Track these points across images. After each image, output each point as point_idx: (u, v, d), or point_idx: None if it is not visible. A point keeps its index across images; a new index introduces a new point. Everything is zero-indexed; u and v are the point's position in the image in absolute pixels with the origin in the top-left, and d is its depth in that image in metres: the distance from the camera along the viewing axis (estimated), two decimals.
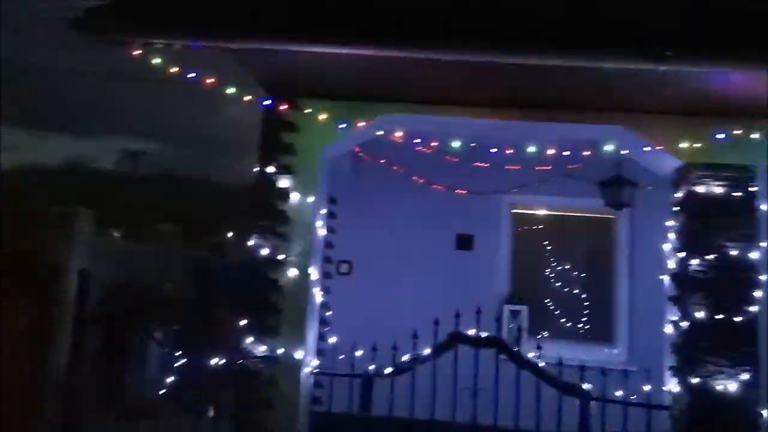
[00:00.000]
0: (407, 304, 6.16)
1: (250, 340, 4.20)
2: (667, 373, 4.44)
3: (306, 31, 3.33)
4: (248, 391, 4.17)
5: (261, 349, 4.20)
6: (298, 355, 4.26)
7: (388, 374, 4.45)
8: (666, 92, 3.87)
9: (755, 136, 4.00)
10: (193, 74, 3.80)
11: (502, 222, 6.76)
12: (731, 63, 3.21)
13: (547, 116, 4.32)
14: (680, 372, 4.23)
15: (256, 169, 4.40)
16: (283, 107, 4.18)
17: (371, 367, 4.47)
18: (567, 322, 6.75)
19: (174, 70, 3.74)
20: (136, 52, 3.65)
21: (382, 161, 6.43)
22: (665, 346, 4.59)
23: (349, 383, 4.44)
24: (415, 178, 6.59)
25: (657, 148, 4.17)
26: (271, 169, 4.36)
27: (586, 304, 6.80)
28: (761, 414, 3.99)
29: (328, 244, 4.95)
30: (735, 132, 3.97)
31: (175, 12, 3.45)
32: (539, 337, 4.82)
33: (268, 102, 4.17)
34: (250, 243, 4.30)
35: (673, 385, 4.31)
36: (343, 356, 4.56)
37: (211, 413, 5.64)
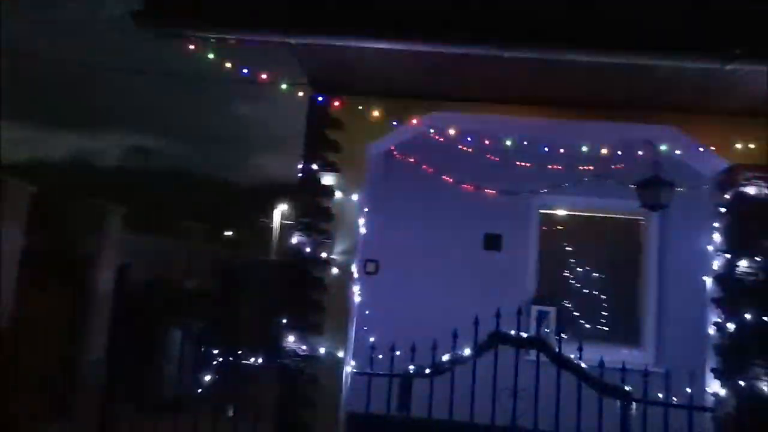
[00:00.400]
0: (434, 303, 6.14)
1: (292, 338, 4.17)
2: (710, 375, 4.42)
3: (369, 27, 3.29)
4: (290, 389, 4.14)
5: (303, 348, 4.17)
6: (340, 353, 4.23)
7: (428, 374, 4.42)
8: (721, 93, 3.85)
9: None
10: (246, 70, 3.76)
11: (530, 222, 6.73)
12: None
13: (601, 116, 4.29)
14: (726, 374, 4.21)
15: (300, 166, 4.37)
16: (336, 103, 4.14)
17: (411, 367, 4.43)
18: (593, 323, 6.72)
19: (228, 65, 3.70)
20: (191, 47, 3.62)
21: (411, 159, 6.40)
22: (707, 348, 4.57)
23: (388, 383, 4.41)
24: (444, 177, 6.57)
25: (710, 149, 4.14)
26: (315, 165, 4.32)
27: (612, 305, 6.77)
28: None
29: None
30: None
31: (233, 6, 3.41)
32: (557, 338, 4.75)
33: (321, 98, 4.14)
34: (294, 240, 4.26)
35: (716, 387, 4.29)
36: (382, 356, 4.52)
37: (231, 412, 5.62)
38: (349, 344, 4.36)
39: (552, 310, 6.46)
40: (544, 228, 6.82)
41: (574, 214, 6.84)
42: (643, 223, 6.72)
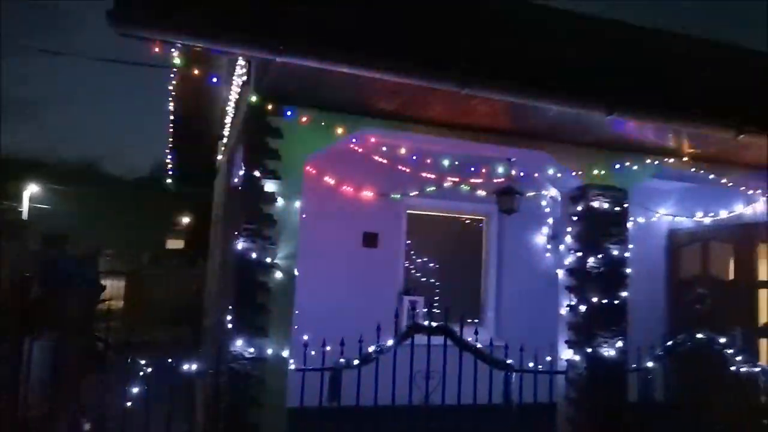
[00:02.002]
0: (319, 299, 6.55)
1: (240, 341, 4.25)
2: (563, 346, 5.70)
3: (363, 57, 3.61)
4: (239, 391, 4.23)
5: (251, 351, 4.28)
6: (285, 353, 4.44)
7: (356, 365, 4.86)
8: (582, 131, 5.06)
9: (635, 167, 5.46)
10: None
11: (400, 222, 7.54)
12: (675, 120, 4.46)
13: (490, 140, 5.21)
14: (577, 344, 5.50)
15: (241, 173, 4.43)
16: (304, 119, 4.30)
17: (341, 360, 4.82)
18: (447, 307, 7.79)
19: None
20: (156, 50, 3.49)
21: None
22: (555, 325, 5.87)
23: (320, 377, 4.75)
24: (326, 179, 7.02)
25: (570, 170, 5.37)
26: (257, 173, 4.42)
27: (463, 292, 7.95)
28: (629, 370, 5.49)
29: None
30: (625, 163, 5.37)
31: (217, 18, 3.41)
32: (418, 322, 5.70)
33: (290, 112, 4.27)
34: (239, 246, 4.32)
35: (569, 354, 5.57)
36: (314, 352, 4.82)
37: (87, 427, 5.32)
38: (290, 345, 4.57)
39: (420, 300, 7.37)
40: (411, 227, 7.69)
41: (435, 215, 7.85)
42: (486, 222, 8.06)
